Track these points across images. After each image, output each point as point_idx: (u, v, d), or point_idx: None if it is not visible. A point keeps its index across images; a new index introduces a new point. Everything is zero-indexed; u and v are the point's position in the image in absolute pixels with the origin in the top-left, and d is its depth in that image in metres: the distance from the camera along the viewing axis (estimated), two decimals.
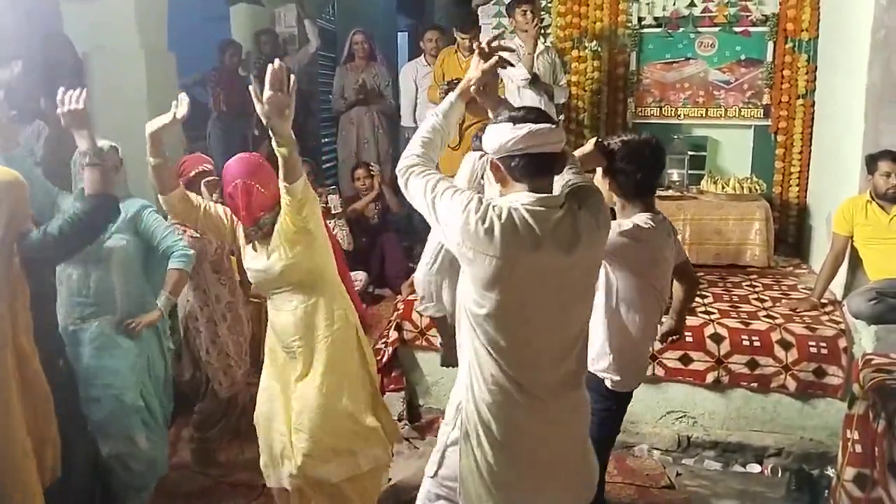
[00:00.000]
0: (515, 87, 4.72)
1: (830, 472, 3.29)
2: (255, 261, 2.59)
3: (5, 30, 4.27)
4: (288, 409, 2.67)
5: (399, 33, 10.13)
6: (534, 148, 1.79)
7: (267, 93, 2.20)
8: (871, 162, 3.70)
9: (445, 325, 3.16)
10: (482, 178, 2.76)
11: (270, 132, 2.28)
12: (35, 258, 2.29)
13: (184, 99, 2.43)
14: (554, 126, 1.83)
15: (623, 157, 2.35)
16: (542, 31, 4.69)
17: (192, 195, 2.65)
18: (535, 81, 4.68)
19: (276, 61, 2.24)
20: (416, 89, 5.65)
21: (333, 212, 4.96)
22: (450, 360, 3.18)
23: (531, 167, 1.81)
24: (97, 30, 4.43)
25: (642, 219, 2.34)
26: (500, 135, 1.81)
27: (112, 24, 4.38)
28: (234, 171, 2.51)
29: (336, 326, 2.65)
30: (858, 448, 2.83)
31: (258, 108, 2.24)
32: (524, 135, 1.78)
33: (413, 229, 5.80)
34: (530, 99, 4.72)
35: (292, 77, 2.26)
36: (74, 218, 2.32)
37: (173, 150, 4.17)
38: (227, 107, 5.84)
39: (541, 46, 4.86)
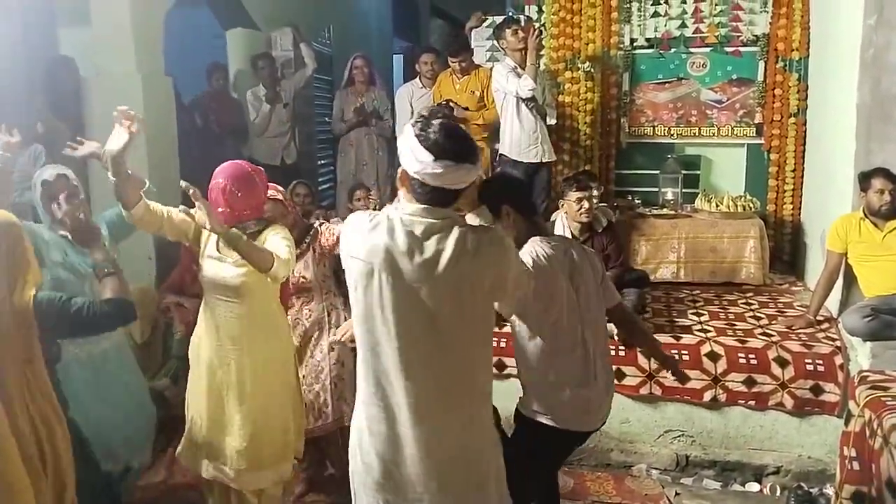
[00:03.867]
0: (513, 103, 4.71)
1: (829, 490, 3.28)
2: (217, 266, 2.68)
3: (1, 55, 4.30)
4: (218, 409, 2.77)
5: (395, 56, 10.19)
6: (443, 184, 1.75)
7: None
8: (864, 179, 3.73)
9: None
10: None
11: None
12: (42, 319, 2.13)
13: (133, 113, 2.45)
14: (470, 167, 1.76)
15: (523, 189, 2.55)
16: (540, 41, 4.73)
17: (153, 204, 2.69)
18: (532, 99, 4.71)
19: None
20: (412, 111, 5.69)
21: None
22: None
23: (432, 197, 1.78)
24: (94, 54, 4.47)
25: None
26: (416, 158, 1.74)
27: (109, 48, 4.41)
28: (219, 173, 2.65)
29: (271, 340, 2.79)
30: (856, 465, 2.83)
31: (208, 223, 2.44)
32: (437, 173, 1.73)
33: None
34: (527, 119, 4.74)
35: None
36: (95, 310, 2.21)
37: (169, 171, 4.21)
38: (219, 128, 5.90)
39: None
